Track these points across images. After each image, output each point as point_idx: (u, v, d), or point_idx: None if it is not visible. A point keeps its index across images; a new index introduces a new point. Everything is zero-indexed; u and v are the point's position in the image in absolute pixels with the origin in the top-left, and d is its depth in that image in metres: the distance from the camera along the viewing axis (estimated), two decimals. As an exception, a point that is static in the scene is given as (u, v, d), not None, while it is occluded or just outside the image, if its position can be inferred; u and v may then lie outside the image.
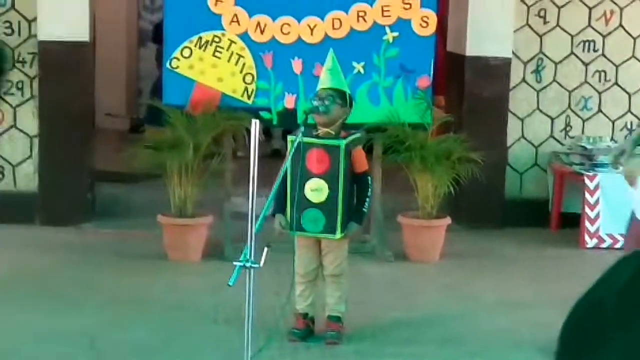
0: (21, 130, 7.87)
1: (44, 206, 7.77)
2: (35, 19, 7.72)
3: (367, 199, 5.23)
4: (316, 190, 5.09)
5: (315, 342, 5.20)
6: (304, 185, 5.08)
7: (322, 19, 7.11)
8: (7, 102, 7.83)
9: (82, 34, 7.71)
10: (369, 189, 5.26)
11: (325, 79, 5.26)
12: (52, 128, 7.74)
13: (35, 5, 7.68)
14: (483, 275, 6.77)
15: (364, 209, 5.21)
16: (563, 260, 7.30)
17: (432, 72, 7.19)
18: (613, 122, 8.41)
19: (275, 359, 4.89)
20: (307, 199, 5.10)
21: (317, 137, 5.14)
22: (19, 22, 7.78)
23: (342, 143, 5.10)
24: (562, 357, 1.13)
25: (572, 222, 7.82)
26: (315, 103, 5.13)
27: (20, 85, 7.83)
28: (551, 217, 8.08)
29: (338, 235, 5.11)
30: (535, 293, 6.31)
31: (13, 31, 7.79)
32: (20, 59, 7.81)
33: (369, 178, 5.32)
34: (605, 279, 1.15)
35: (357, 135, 5.34)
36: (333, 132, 5.17)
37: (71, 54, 7.68)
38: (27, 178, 7.89)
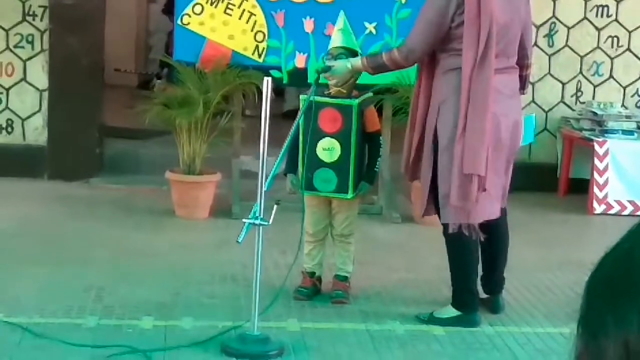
0: (31, 84, 7.86)
1: (53, 160, 7.79)
2: (46, -28, 7.69)
3: (379, 159, 5.23)
4: (328, 149, 5.09)
5: (322, 301, 5.22)
6: (316, 144, 5.08)
7: (335, -22, 7.07)
8: (16, 54, 7.82)
9: (93, -12, 7.67)
10: (381, 149, 5.26)
11: (336, 38, 5.23)
12: (62, 82, 7.74)
13: (46, -42, 7.64)
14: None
15: (375, 169, 5.22)
16: (570, 226, 7.31)
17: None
18: (624, 88, 8.37)
19: (281, 317, 4.91)
20: (319, 159, 5.09)
21: (329, 96, 5.12)
22: (30, -25, 7.75)
23: (355, 102, 5.08)
24: (589, 311, 1.11)
25: (581, 187, 7.82)
26: (327, 62, 5.11)
27: (30, 39, 7.82)
28: (559, 182, 8.08)
29: (350, 194, 5.11)
30: (541, 257, 6.32)
31: (24, -16, 7.76)
32: (31, 12, 7.79)
33: (381, 137, 5.31)
34: (634, 230, 1.13)
35: (369, 94, 5.33)
36: (345, 91, 5.15)
37: (82, 8, 7.65)
38: (36, 132, 7.89)
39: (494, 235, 4.96)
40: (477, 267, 4.99)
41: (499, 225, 5.04)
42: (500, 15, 4.67)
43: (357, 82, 5.27)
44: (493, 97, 4.66)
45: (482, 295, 5.11)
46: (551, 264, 6.18)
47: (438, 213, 4.92)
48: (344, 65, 5.02)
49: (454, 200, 4.68)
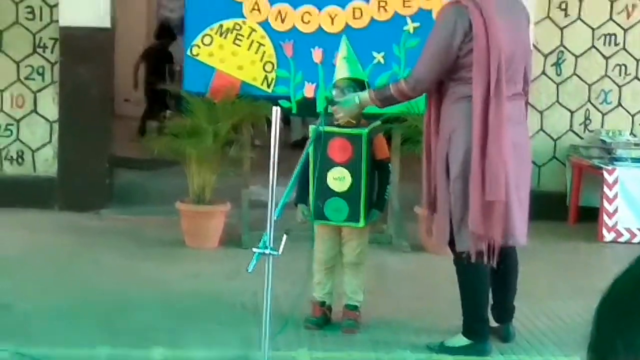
0: (41, 115, 7.91)
1: (63, 191, 7.81)
2: (56, 5, 7.76)
3: (389, 186, 5.25)
4: (339, 179, 5.10)
5: (332, 330, 5.21)
6: (327, 174, 5.09)
7: (343, 8, 7.12)
8: (27, 86, 7.87)
9: (103, 20, 7.74)
10: (390, 176, 5.28)
11: (342, 69, 5.23)
12: (72, 113, 7.78)
13: (57, -10, 7.71)
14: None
15: (385, 196, 5.23)
16: (580, 254, 7.29)
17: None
18: (633, 116, 8.38)
19: (292, 346, 4.90)
20: (330, 188, 5.10)
21: (338, 125, 5.14)
22: (41, 8, 7.82)
23: (365, 132, 5.10)
24: (599, 336, 1.11)
25: (590, 215, 7.81)
26: (334, 93, 5.13)
27: (41, 71, 7.87)
28: (569, 210, 8.07)
29: (362, 223, 5.12)
30: (552, 286, 6.31)
31: (35, 16, 7.83)
32: (42, 44, 7.85)
33: (390, 165, 5.32)
34: None
35: (378, 122, 5.35)
36: (354, 121, 5.17)
37: (92, 40, 7.70)
38: (46, 163, 7.93)
39: (505, 263, 4.95)
40: (488, 295, 4.98)
41: (509, 254, 5.04)
42: (506, 43, 4.70)
43: (366, 111, 5.29)
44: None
45: (493, 323, 5.10)
46: (561, 291, 6.17)
47: (451, 242, 4.91)
48: (352, 100, 5.03)
49: (474, 227, 4.68)
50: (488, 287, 4.95)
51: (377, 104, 5.03)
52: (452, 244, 4.90)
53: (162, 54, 11.44)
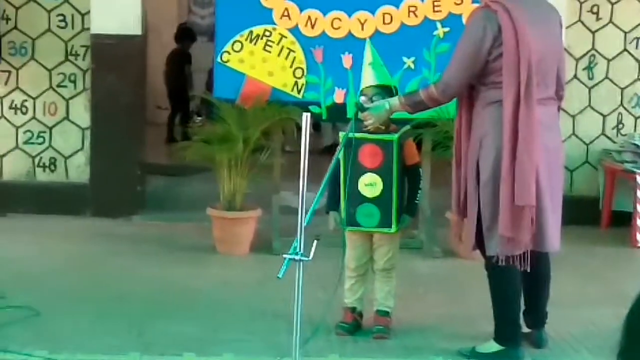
0: (73, 123, 7.96)
1: (95, 198, 7.86)
2: (88, 13, 7.81)
3: (419, 191, 5.23)
4: (370, 184, 5.09)
5: (363, 336, 5.20)
6: (358, 180, 5.08)
7: (373, 13, 7.11)
8: (59, 94, 7.93)
9: (134, 27, 7.78)
10: (421, 181, 5.26)
11: (368, 76, 5.20)
12: (103, 120, 7.83)
13: (88, -1, 7.76)
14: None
15: (416, 201, 5.21)
16: (614, 259, 7.23)
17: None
18: (666, 120, 8.31)
19: (323, 353, 4.89)
20: (361, 194, 5.09)
21: (367, 131, 5.13)
22: (72, 16, 7.87)
23: (395, 137, 5.09)
24: (629, 343, 1.10)
25: (623, 220, 7.75)
26: (362, 99, 5.10)
27: (72, 78, 7.93)
28: (602, 215, 8.01)
29: (393, 228, 5.11)
30: (585, 291, 6.26)
31: (66, 24, 7.89)
32: (73, 52, 7.90)
33: (420, 170, 5.30)
34: None
35: (407, 127, 5.33)
36: (383, 127, 5.16)
37: (123, 47, 7.75)
38: (78, 170, 7.98)
39: (537, 268, 4.92)
40: (520, 301, 4.95)
41: (542, 259, 5.01)
42: (537, 47, 4.67)
43: (396, 116, 5.27)
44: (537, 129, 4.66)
45: (525, 329, 5.07)
46: (594, 297, 6.12)
47: (481, 247, 4.89)
48: (382, 106, 5.02)
49: (505, 231, 4.66)
50: (520, 293, 4.92)
51: (408, 109, 5.02)
52: (483, 248, 4.88)
53: (183, 57, 11.49)
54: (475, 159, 4.78)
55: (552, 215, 4.85)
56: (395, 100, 5.02)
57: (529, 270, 4.80)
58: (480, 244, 4.87)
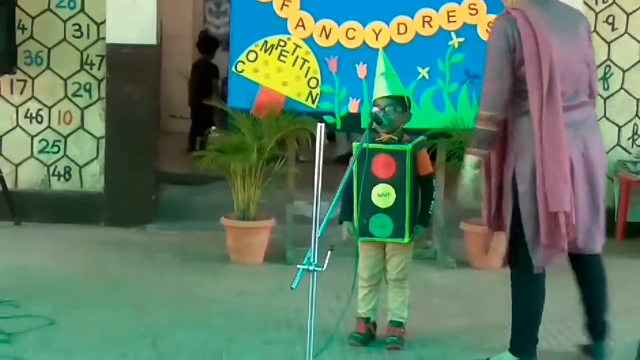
0: (88, 132, 7.99)
1: (109, 207, 7.87)
2: (103, 22, 7.84)
3: (433, 201, 5.22)
4: (383, 195, 5.09)
5: (377, 347, 5.19)
6: (371, 190, 5.08)
7: (388, 24, 7.12)
8: (74, 103, 7.95)
9: (149, 37, 7.80)
10: (434, 192, 5.24)
11: (381, 87, 5.19)
12: (118, 129, 7.85)
13: (104, 8, 7.79)
14: (546, 284, 6.68)
15: (429, 212, 5.20)
16: (629, 270, 7.19)
17: (497, 78, 7.13)
18: (681, 131, 8.28)
19: (336, 363, 4.89)
20: (374, 205, 5.09)
21: (381, 142, 5.12)
22: (88, 25, 7.90)
23: (409, 147, 5.09)
24: None
25: (639, 231, 7.71)
26: (374, 110, 5.08)
27: (88, 87, 7.96)
28: (617, 226, 7.98)
29: (406, 239, 5.10)
30: (599, 303, 6.22)
31: (82, 34, 7.92)
32: (89, 61, 7.93)
33: (434, 180, 5.29)
34: None
35: (421, 138, 5.33)
36: (396, 138, 5.16)
37: (138, 57, 7.77)
38: (93, 179, 8.00)
39: (588, 274, 4.89)
40: (541, 315, 4.91)
41: (592, 263, 4.96)
42: (560, 53, 4.63)
43: (407, 126, 5.26)
44: (566, 134, 4.61)
45: (585, 341, 5.02)
46: (611, 309, 6.08)
47: (510, 258, 4.86)
48: (472, 175, 4.81)
49: (544, 238, 4.64)
50: (542, 307, 4.89)
51: (478, 148, 4.77)
52: (511, 259, 4.85)
53: (208, 67, 11.42)
54: (512, 170, 4.74)
55: (592, 217, 4.79)
56: (469, 160, 4.79)
57: (576, 278, 4.77)
58: (509, 255, 4.85)
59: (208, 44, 11.63)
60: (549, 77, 4.58)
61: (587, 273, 4.91)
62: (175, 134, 11.28)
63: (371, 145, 5.00)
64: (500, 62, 4.65)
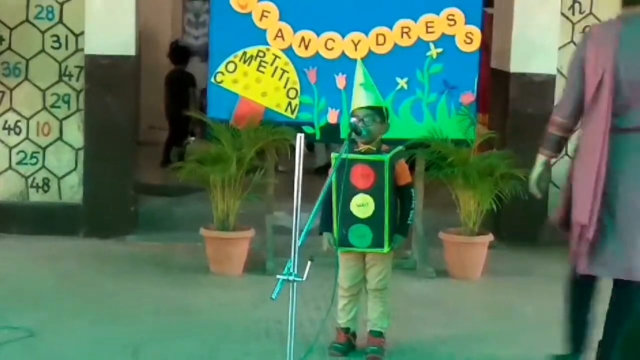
0: (67, 143, 7.96)
1: (89, 218, 7.85)
2: (82, 33, 7.82)
3: (412, 211, 5.23)
4: (362, 205, 5.10)
5: (357, 357, 5.20)
6: (350, 200, 5.09)
7: (367, 34, 7.14)
8: (53, 114, 7.93)
9: (128, 48, 7.79)
10: (413, 201, 5.26)
11: (359, 97, 5.20)
12: (97, 141, 7.83)
13: (82, 19, 7.78)
14: (525, 293, 6.73)
15: (408, 221, 5.21)
16: (607, 279, 7.23)
17: (476, 89, 7.18)
18: (658, 141, 8.33)
19: (316, 373, 4.89)
20: (354, 215, 5.10)
21: (359, 152, 5.14)
22: (67, 36, 7.89)
23: (387, 158, 5.10)
24: None
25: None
26: (353, 120, 5.09)
27: (66, 99, 7.94)
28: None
29: (386, 249, 5.11)
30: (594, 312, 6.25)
31: (60, 45, 7.90)
32: (67, 72, 7.91)
33: (412, 190, 5.30)
34: None
35: (399, 148, 5.34)
36: (374, 148, 5.17)
37: (117, 68, 7.76)
38: (72, 190, 7.98)
39: (613, 311, 4.80)
40: (577, 319, 4.90)
41: (624, 291, 4.77)
42: (627, 70, 4.61)
43: (386, 136, 5.28)
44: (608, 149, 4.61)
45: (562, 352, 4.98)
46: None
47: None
48: (537, 173, 4.99)
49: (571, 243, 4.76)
50: (579, 313, 4.89)
51: (548, 153, 4.99)
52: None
53: (184, 77, 11.36)
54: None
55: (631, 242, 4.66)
56: (539, 159, 5.00)
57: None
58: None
59: (180, 53, 11.60)
60: (596, 91, 4.62)
61: (625, 301, 4.76)
62: (154, 145, 11.25)
63: (350, 156, 5.01)
64: (572, 75, 4.83)
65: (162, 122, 11.81)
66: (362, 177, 5.10)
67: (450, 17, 7.15)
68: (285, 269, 4.16)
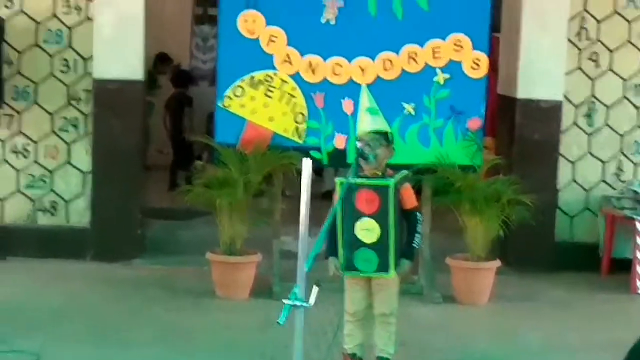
0: (74, 167, 7.98)
1: (96, 241, 7.86)
2: (90, 58, 7.86)
3: (418, 235, 5.21)
4: (367, 230, 5.10)
5: (363, 382, 5.18)
6: (355, 225, 5.09)
7: (373, 59, 7.16)
8: (61, 138, 7.96)
9: (136, 72, 7.83)
10: (419, 226, 5.24)
11: (365, 121, 5.21)
12: (105, 164, 7.85)
13: (91, 44, 7.82)
14: (532, 319, 6.72)
15: (414, 245, 5.20)
16: (613, 305, 7.22)
17: (483, 114, 7.19)
18: (665, 167, 8.34)
19: (322, 399, 4.88)
20: (359, 239, 5.10)
21: (364, 177, 5.14)
22: (75, 60, 7.93)
23: (391, 182, 5.10)
24: None
25: (623, 267, 7.75)
26: (359, 145, 5.10)
27: (74, 122, 7.96)
28: (602, 261, 8.01)
29: (392, 273, 5.10)
30: (585, 338, 6.24)
31: (69, 69, 7.94)
32: (76, 96, 7.95)
33: (418, 214, 5.29)
34: None
35: (404, 172, 5.33)
36: (380, 173, 5.18)
37: (125, 92, 7.79)
38: (79, 214, 7.99)
39: None
40: None
41: None
42: None
43: (392, 161, 5.27)
44: None
45: None
46: (595, 343, 6.11)
47: None
48: None
49: None
50: None
51: None
52: None
53: (184, 101, 11.40)
54: None
55: None
56: None
57: None
58: None
59: (181, 77, 11.67)
60: None
61: None
62: (162, 169, 11.27)
63: (354, 180, 5.01)
64: None
65: (169, 146, 11.81)
66: (366, 202, 5.09)
67: (457, 43, 7.17)
68: (292, 294, 4.15)
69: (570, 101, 8.14)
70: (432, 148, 7.16)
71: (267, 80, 7.18)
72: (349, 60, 7.18)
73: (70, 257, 7.74)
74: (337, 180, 5.10)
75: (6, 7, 7.87)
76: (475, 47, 7.15)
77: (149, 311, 6.50)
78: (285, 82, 7.18)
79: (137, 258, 7.89)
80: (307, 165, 4.27)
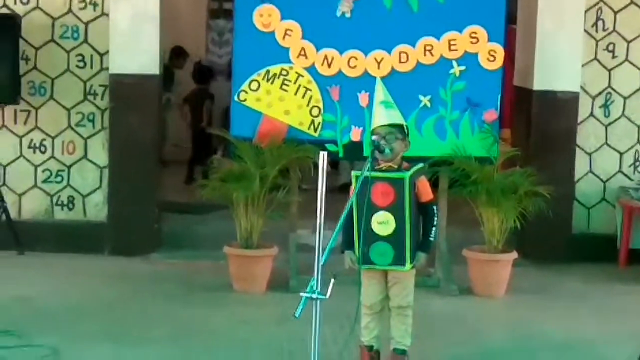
0: (91, 161, 8.01)
1: (113, 236, 7.89)
2: (107, 53, 7.88)
3: (434, 228, 5.20)
4: (383, 223, 5.09)
5: (380, 375, 5.18)
6: (371, 218, 5.09)
7: (389, 52, 7.15)
8: (78, 133, 7.99)
9: (152, 67, 7.84)
10: (435, 218, 5.23)
11: (380, 115, 5.20)
12: (121, 159, 7.87)
13: (107, 39, 7.84)
14: (549, 311, 6.70)
15: (430, 238, 5.19)
16: (631, 297, 7.20)
17: (499, 106, 7.18)
18: (683, 158, 8.30)
19: (339, 391, 4.88)
20: (375, 232, 5.10)
21: (380, 170, 5.13)
22: (91, 56, 7.95)
23: (407, 175, 5.09)
24: None
25: (641, 257, 7.73)
26: (375, 138, 5.09)
27: (91, 117, 7.99)
28: (619, 252, 7.98)
29: (407, 266, 5.10)
30: (602, 330, 6.23)
31: (85, 64, 7.96)
32: (92, 91, 7.97)
33: (435, 207, 5.28)
34: None
35: (420, 165, 5.32)
36: (395, 166, 5.17)
37: (141, 87, 7.81)
38: (96, 208, 8.02)
39: None
40: None
41: None
42: None
43: (408, 154, 5.26)
44: None
45: None
46: (613, 335, 6.09)
47: None
48: None
49: None
50: None
51: None
52: None
53: (205, 96, 11.43)
54: None
55: None
56: None
57: None
58: None
59: (203, 73, 11.71)
60: None
61: None
62: (178, 163, 11.30)
63: (371, 174, 5.01)
64: None
65: (186, 140, 11.85)
66: (382, 194, 5.09)
67: (473, 35, 7.15)
68: (309, 286, 4.16)
69: (587, 92, 8.11)
70: (449, 140, 7.15)
71: (282, 74, 7.18)
72: (365, 54, 7.17)
73: (88, 252, 7.77)
74: (353, 173, 5.09)
75: (22, 3, 7.90)
76: (491, 39, 7.13)
77: (166, 306, 6.52)
78: (301, 75, 7.18)
79: (154, 252, 7.91)
80: (323, 158, 4.27)
